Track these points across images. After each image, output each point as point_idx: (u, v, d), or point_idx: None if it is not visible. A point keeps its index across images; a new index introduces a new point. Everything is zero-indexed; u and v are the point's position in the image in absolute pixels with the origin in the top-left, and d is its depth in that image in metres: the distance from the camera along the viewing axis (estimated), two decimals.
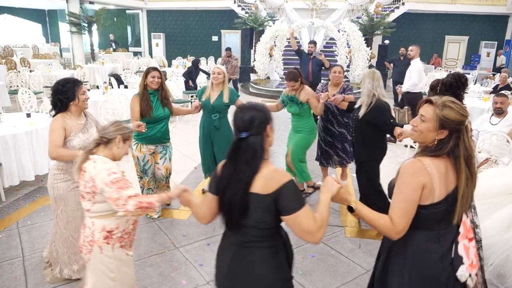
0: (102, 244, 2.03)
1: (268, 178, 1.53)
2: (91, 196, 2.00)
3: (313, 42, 7.94)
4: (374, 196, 3.51)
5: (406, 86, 6.39)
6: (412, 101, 6.20)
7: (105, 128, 2.06)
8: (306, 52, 7.84)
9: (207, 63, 14.42)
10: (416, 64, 6.34)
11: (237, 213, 1.56)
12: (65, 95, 2.60)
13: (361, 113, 3.36)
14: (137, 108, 3.57)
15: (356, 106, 3.56)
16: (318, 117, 4.45)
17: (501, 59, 15.37)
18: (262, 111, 1.60)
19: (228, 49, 10.93)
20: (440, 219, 1.61)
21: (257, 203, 1.54)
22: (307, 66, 7.51)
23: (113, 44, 18.18)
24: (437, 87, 3.22)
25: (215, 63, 14.79)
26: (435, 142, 1.60)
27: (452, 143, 1.58)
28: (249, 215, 1.55)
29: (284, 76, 11.93)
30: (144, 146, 3.70)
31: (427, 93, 3.42)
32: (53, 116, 2.68)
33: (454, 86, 3.10)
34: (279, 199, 1.52)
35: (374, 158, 3.51)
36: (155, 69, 3.66)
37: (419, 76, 6.26)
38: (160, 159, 3.80)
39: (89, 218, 2.07)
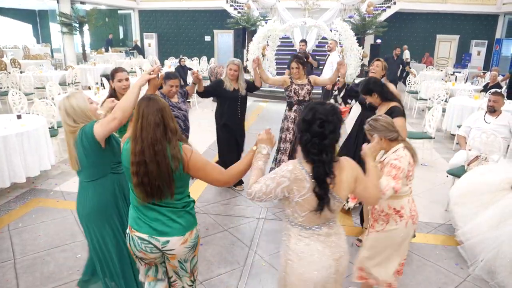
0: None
1: None
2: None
3: (303, 41, 7.99)
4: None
5: (330, 75, 7.22)
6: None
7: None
8: (297, 51, 7.89)
9: (199, 63, 14.37)
10: (334, 56, 7.62)
11: None
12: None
13: None
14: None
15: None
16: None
17: (406, 54, 14.86)
18: None
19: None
20: None
21: None
22: None
23: (137, 50, 17.61)
24: None
25: (208, 63, 14.75)
26: None
27: None
28: None
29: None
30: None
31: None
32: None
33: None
34: None
35: None
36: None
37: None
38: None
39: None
